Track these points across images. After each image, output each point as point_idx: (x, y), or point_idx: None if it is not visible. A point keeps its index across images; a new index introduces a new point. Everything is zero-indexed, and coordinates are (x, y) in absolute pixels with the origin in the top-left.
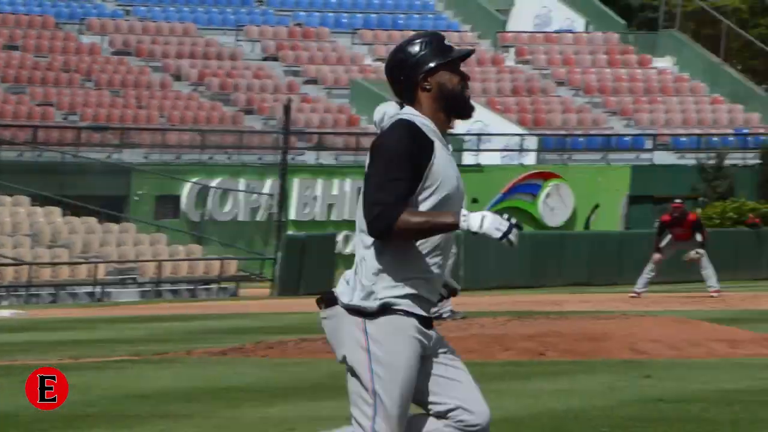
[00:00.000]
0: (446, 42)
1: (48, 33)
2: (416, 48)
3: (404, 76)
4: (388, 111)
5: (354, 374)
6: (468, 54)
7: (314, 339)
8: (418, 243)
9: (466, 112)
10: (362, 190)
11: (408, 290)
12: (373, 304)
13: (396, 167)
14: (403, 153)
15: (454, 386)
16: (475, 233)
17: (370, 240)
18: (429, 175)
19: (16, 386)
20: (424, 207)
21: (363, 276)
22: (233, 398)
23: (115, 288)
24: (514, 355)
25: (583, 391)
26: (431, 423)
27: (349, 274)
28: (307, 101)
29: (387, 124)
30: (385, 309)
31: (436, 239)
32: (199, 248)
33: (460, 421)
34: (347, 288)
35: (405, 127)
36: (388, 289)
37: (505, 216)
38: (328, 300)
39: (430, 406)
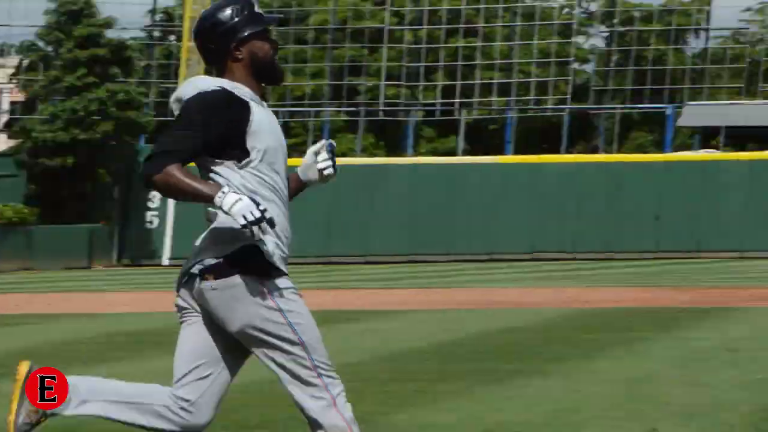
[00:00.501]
0: (256, 8)
1: None
2: (227, 15)
3: (215, 44)
4: (198, 83)
5: (262, 339)
6: (278, 20)
7: None
8: (275, 208)
9: (277, 79)
10: None
11: (279, 252)
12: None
13: (191, 124)
14: (203, 113)
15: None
16: (226, 212)
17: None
18: (250, 132)
19: None
20: (253, 159)
21: (213, 239)
22: None
23: None
24: None
25: None
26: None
27: (202, 244)
28: None
29: (189, 90)
30: (275, 268)
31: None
32: None
33: None
34: (205, 254)
35: (215, 91)
36: (232, 247)
37: (262, 207)
38: (219, 270)
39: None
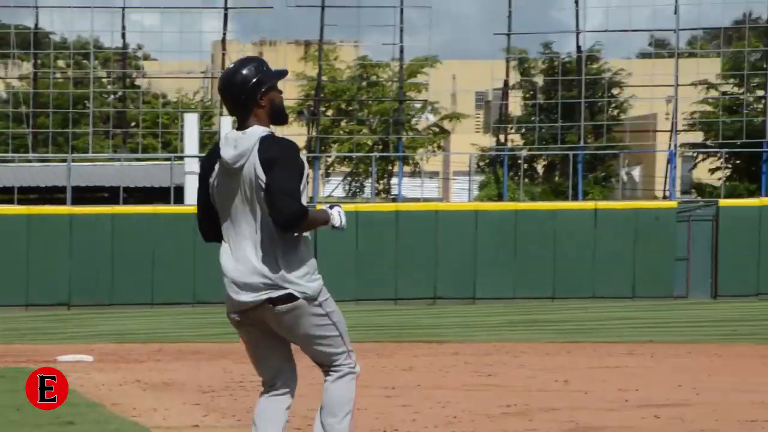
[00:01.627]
0: (268, 65)
1: None
2: (252, 71)
3: (245, 96)
4: (255, 131)
5: (318, 339)
6: (287, 73)
7: None
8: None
9: (285, 121)
10: (273, 192)
11: (316, 269)
12: (315, 287)
13: (298, 175)
14: (299, 163)
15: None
16: (334, 227)
17: (279, 236)
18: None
19: None
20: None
21: (291, 268)
22: None
23: None
24: None
25: None
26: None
27: (257, 271)
28: None
29: (248, 143)
30: (320, 287)
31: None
32: None
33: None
34: (283, 283)
35: (292, 142)
36: (310, 278)
37: (339, 207)
38: (286, 299)
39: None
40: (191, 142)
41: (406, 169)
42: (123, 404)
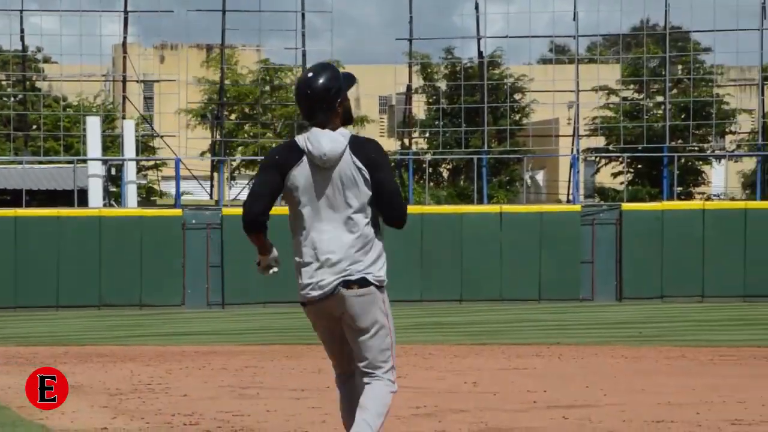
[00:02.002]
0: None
1: None
2: (331, 80)
3: (326, 104)
4: (342, 132)
5: (375, 334)
6: (355, 80)
7: None
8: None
9: (352, 122)
10: (389, 193)
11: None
12: (385, 279)
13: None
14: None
15: None
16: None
17: (371, 231)
18: None
19: None
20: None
21: (370, 260)
22: None
23: None
24: None
25: None
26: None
27: (344, 259)
28: None
29: (342, 142)
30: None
31: None
32: None
33: None
34: (362, 269)
35: (377, 142)
36: (383, 269)
37: None
38: (361, 282)
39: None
40: (94, 145)
41: None
42: (30, 407)
